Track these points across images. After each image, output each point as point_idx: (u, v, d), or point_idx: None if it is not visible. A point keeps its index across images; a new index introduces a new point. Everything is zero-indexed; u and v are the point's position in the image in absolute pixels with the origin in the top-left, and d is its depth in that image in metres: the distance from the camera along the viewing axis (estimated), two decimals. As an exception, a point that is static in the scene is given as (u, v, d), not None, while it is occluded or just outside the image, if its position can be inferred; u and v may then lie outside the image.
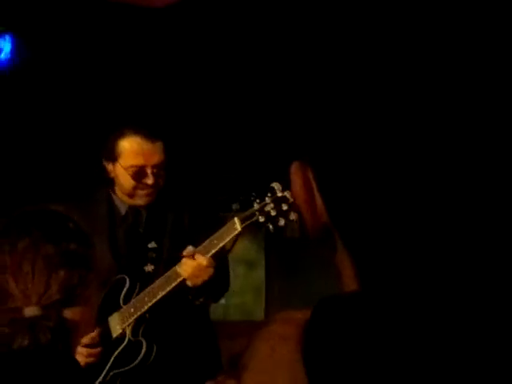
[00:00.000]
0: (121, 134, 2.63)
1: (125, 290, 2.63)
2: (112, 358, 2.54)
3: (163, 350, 2.57)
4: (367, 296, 0.82)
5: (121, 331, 2.57)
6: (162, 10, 4.12)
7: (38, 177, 4.11)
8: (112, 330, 2.60)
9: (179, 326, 2.68)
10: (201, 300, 2.57)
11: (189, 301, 2.57)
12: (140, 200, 2.66)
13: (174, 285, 2.47)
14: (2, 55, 3.99)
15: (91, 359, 2.50)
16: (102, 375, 2.52)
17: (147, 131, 2.62)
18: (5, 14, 3.95)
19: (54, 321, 1.36)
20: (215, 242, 2.46)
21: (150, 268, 2.67)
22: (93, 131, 3.18)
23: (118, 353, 2.55)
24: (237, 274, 4.18)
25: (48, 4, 4.01)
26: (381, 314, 0.79)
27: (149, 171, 2.60)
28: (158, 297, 2.52)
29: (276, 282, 4.76)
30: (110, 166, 2.68)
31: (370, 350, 0.77)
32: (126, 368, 2.52)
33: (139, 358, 2.51)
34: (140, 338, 2.55)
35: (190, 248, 2.47)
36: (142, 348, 2.52)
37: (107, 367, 2.53)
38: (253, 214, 2.41)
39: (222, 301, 4.63)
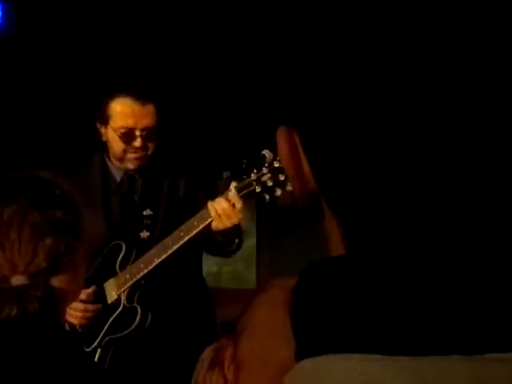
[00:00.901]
0: (112, 96, 2.60)
1: (121, 256, 2.62)
2: (107, 324, 2.55)
3: (159, 316, 2.57)
4: (353, 259, 0.81)
5: (116, 297, 2.57)
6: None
7: (32, 144, 4.09)
8: (107, 295, 2.60)
9: (175, 292, 2.67)
10: (233, 247, 2.57)
11: (218, 247, 2.58)
12: (130, 163, 2.63)
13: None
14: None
15: (90, 315, 2.51)
16: (97, 340, 2.53)
17: (138, 93, 2.59)
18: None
19: (42, 290, 1.34)
20: None
21: (145, 235, 2.65)
22: (87, 96, 3.14)
23: (113, 319, 2.55)
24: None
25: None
26: (367, 277, 0.79)
27: (138, 133, 2.57)
28: (154, 264, 2.52)
29: (267, 250, 4.78)
30: (102, 129, 2.66)
31: (355, 311, 0.77)
32: (121, 334, 2.53)
33: (134, 325, 2.52)
34: (135, 305, 2.55)
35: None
36: (136, 314, 2.52)
37: (102, 332, 2.54)
38: (250, 184, 2.39)
39: (215, 268, 4.67)
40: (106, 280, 2.62)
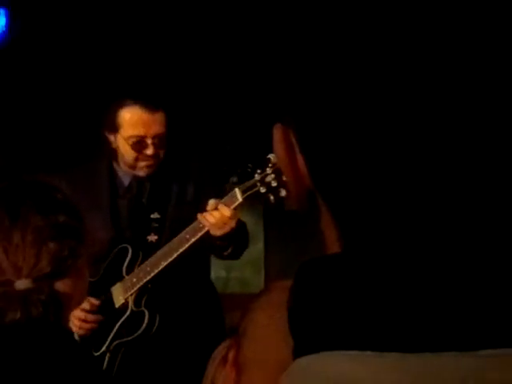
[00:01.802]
0: (121, 105, 2.60)
1: (127, 259, 2.62)
2: (115, 328, 2.55)
3: (167, 320, 2.57)
4: (348, 257, 0.81)
5: (123, 301, 2.57)
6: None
7: (37, 149, 4.10)
8: (115, 300, 2.60)
9: (183, 296, 2.67)
10: (229, 251, 2.58)
11: (216, 252, 2.63)
12: (141, 171, 2.63)
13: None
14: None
15: (89, 326, 2.51)
16: (106, 345, 2.53)
17: (148, 101, 2.59)
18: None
19: (46, 294, 1.34)
20: None
21: (153, 238, 2.66)
22: (94, 102, 3.15)
23: (121, 323, 2.56)
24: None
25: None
26: (361, 275, 0.79)
27: (149, 142, 2.58)
28: (161, 267, 2.52)
29: (275, 255, 4.77)
30: (111, 137, 2.66)
31: (349, 309, 0.77)
32: (129, 338, 2.53)
33: (142, 329, 2.52)
34: (142, 309, 2.55)
35: (212, 201, 2.45)
36: (144, 318, 2.52)
37: (110, 337, 2.54)
38: (254, 185, 2.39)
39: (223, 274, 4.67)
40: (113, 284, 2.62)
